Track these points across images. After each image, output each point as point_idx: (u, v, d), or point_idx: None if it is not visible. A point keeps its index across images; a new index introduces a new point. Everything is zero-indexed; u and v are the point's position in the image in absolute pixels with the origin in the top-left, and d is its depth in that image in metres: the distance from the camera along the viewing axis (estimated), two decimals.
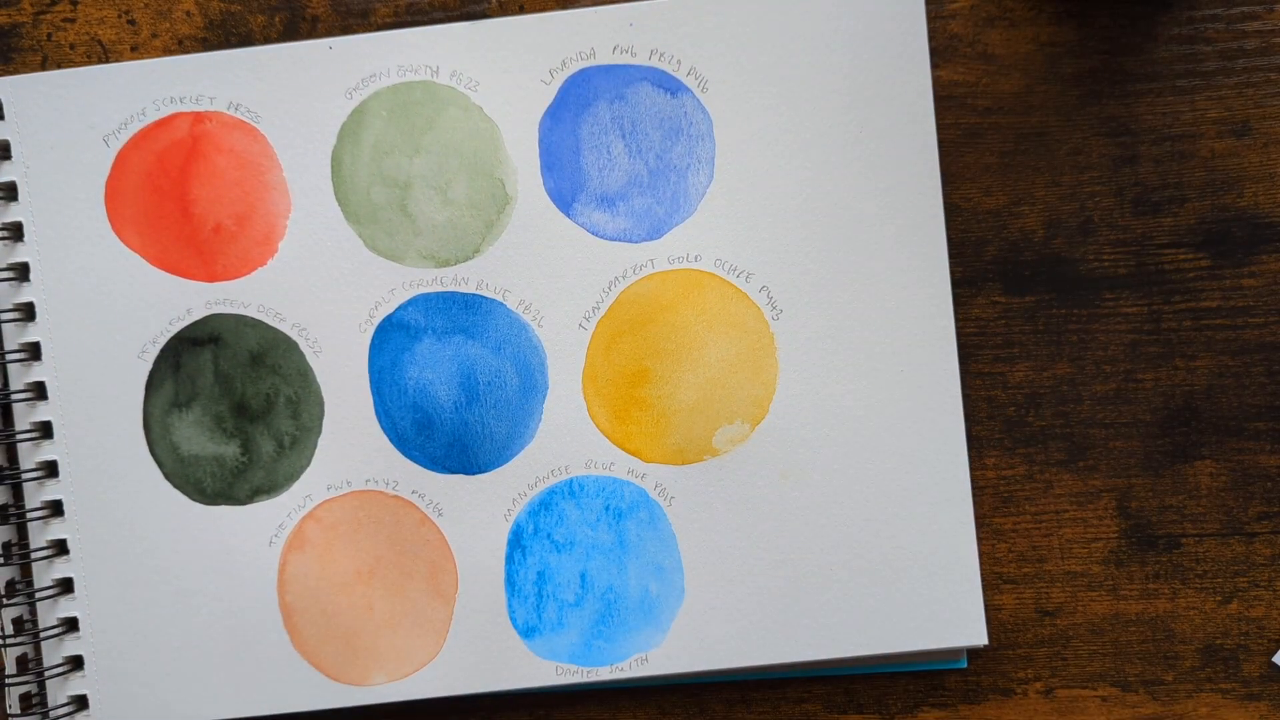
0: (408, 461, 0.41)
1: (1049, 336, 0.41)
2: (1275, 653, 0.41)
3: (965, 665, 0.41)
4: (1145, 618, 0.41)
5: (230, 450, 0.41)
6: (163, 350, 0.41)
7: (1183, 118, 0.41)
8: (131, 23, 0.41)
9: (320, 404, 0.41)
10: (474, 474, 0.41)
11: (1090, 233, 0.41)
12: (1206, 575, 0.41)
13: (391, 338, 0.40)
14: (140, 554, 0.41)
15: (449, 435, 0.41)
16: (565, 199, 0.40)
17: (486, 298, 0.40)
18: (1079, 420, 0.41)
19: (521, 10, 0.41)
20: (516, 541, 0.41)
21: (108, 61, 0.41)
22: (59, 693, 0.41)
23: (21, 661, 0.41)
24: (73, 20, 0.41)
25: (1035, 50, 0.41)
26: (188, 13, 0.41)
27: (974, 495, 0.41)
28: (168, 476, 0.41)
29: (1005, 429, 0.41)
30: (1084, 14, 0.41)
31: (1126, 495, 0.41)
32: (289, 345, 0.41)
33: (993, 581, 0.41)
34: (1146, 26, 0.40)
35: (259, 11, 0.41)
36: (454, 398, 0.40)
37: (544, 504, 0.41)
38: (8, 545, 0.41)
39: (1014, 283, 0.41)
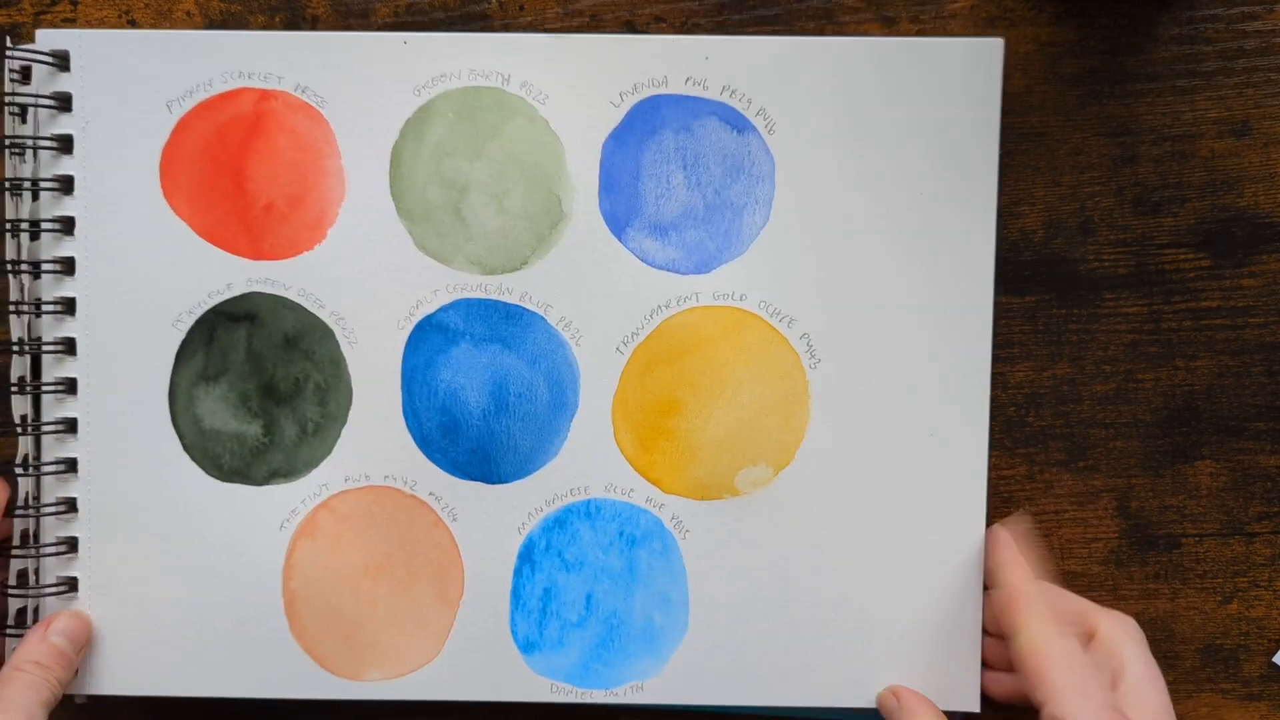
0: (429, 463, 0.41)
1: (1049, 336, 0.41)
2: (1275, 653, 0.41)
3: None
4: (1145, 618, 0.41)
5: (253, 429, 0.41)
6: (198, 321, 0.40)
7: (1183, 118, 0.41)
8: (132, 23, 0.41)
9: (349, 395, 0.41)
10: (493, 483, 0.41)
11: (1090, 233, 0.41)
12: (1206, 575, 0.41)
13: (429, 338, 0.40)
14: (149, 522, 0.41)
15: (473, 442, 0.40)
16: (619, 222, 0.40)
17: (528, 310, 0.40)
18: (1079, 420, 0.41)
19: (521, 10, 0.41)
20: (527, 555, 0.41)
21: None
22: None
23: (21, 614, 0.41)
24: (73, 20, 0.41)
25: (1035, 50, 0.41)
26: (188, 13, 0.41)
27: None
28: (187, 449, 0.41)
29: (1005, 429, 0.41)
30: (1084, 14, 0.41)
31: (1126, 495, 0.41)
32: (325, 332, 0.40)
33: None
34: (1146, 26, 0.41)
35: (259, 11, 0.41)
36: (483, 405, 0.40)
37: (559, 521, 0.41)
38: (26, 496, 0.41)
39: (1014, 283, 0.41)
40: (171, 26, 0.41)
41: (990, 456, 0.41)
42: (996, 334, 0.41)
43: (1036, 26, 0.41)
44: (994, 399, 0.41)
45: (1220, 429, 0.41)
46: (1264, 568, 0.41)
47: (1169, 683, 0.41)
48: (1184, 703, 0.42)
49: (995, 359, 0.41)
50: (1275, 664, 0.41)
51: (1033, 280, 0.41)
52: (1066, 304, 0.41)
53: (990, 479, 0.41)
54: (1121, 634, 0.37)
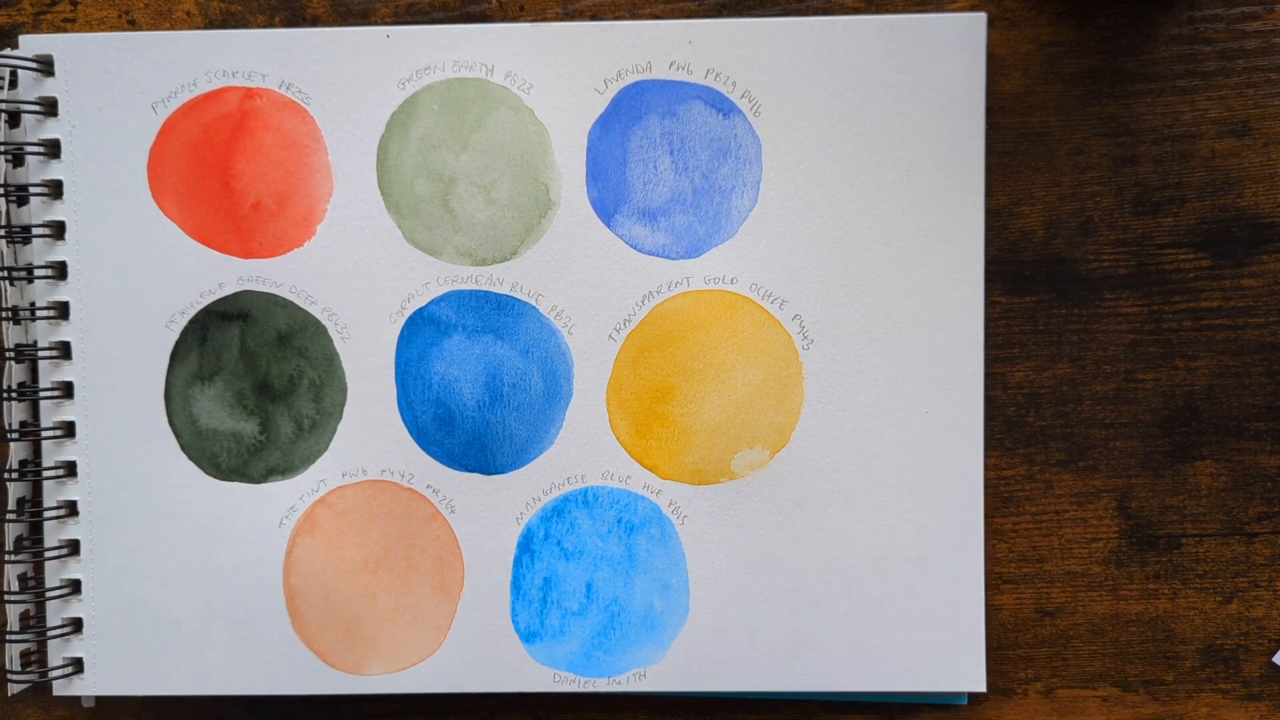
0: (425, 456, 0.41)
1: (1049, 336, 0.41)
2: (1275, 653, 0.41)
3: (966, 703, 0.42)
4: (1145, 618, 0.41)
5: (249, 428, 0.41)
6: (191, 322, 0.41)
7: (1183, 118, 0.40)
8: (132, 23, 0.41)
9: (343, 390, 0.41)
10: (490, 474, 0.41)
11: (1090, 233, 0.41)
12: (1206, 575, 0.41)
13: (421, 331, 0.40)
14: (149, 522, 0.41)
15: (469, 433, 0.40)
16: (607, 209, 0.40)
17: (519, 300, 0.40)
18: (1079, 420, 0.41)
19: (521, 10, 0.41)
20: (526, 545, 0.41)
21: None
22: (57, 654, 0.41)
23: (24, 618, 0.41)
24: (73, 20, 0.41)
25: (1035, 50, 0.41)
26: (188, 13, 0.41)
27: None
28: (184, 448, 0.41)
29: (1005, 429, 0.41)
30: (1084, 14, 0.40)
31: (1126, 495, 0.41)
32: (318, 329, 0.40)
33: (993, 581, 0.42)
34: (1146, 26, 0.40)
35: (259, 12, 0.41)
36: (477, 396, 0.40)
37: (557, 510, 0.41)
38: (21, 501, 0.41)
39: (1014, 283, 0.41)
40: (171, 27, 0.41)
41: (990, 456, 0.41)
42: (996, 334, 0.41)
43: (1036, 26, 0.40)
44: (994, 399, 0.41)
45: (1220, 429, 0.41)
46: (1264, 568, 0.41)
47: (1168, 683, 0.41)
48: (1184, 703, 0.41)
49: (995, 359, 0.41)
50: (1275, 664, 0.41)
51: (1033, 280, 0.41)
52: (1067, 304, 0.41)
53: (990, 479, 0.41)
54: None
